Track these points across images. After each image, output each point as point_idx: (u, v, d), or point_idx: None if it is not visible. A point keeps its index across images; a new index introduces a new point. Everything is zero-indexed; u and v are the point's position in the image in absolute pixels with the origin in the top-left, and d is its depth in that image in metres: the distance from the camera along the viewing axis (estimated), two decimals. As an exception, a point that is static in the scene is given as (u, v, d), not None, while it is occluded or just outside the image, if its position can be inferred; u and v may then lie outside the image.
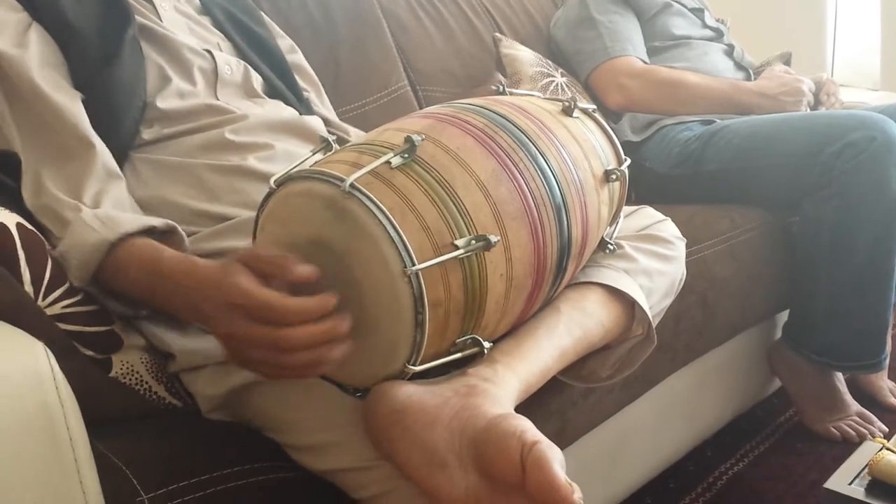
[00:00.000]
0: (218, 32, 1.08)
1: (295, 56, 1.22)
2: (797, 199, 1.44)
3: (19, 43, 0.89)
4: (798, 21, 2.69)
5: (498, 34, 1.83)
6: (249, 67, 1.06)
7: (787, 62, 1.97)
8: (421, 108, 1.65)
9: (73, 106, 0.88)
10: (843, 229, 1.37)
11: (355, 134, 1.19)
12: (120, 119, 0.91)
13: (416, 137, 0.69)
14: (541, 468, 0.61)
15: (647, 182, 1.65)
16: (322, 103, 1.22)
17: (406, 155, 0.69)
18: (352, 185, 0.65)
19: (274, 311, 0.63)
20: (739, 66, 1.89)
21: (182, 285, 0.73)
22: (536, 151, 0.75)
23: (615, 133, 0.90)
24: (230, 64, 1.03)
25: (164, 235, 0.83)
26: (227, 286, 0.65)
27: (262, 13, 1.23)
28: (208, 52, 1.02)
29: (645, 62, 1.76)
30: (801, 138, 1.44)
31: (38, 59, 0.88)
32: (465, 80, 1.76)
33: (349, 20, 1.60)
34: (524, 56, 1.78)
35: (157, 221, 0.83)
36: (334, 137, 0.77)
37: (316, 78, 1.24)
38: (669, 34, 1.84)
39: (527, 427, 0.64)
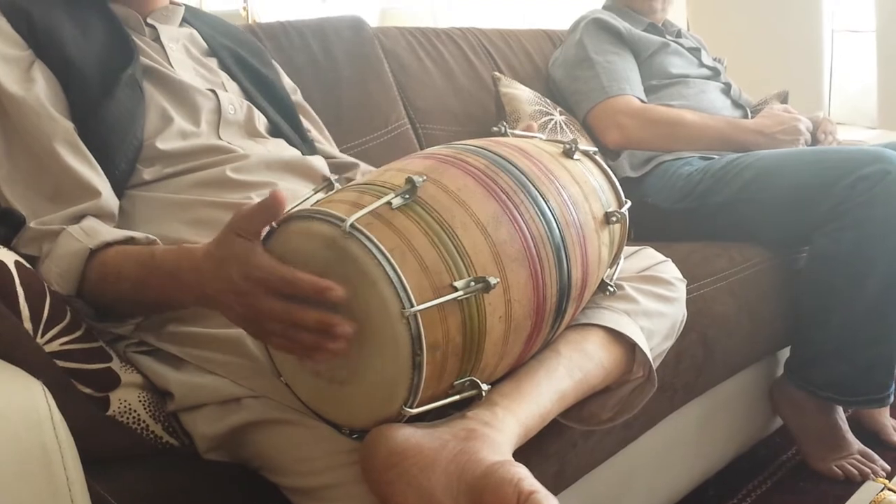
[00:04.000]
0: (223, 74, 1.10)
1: (296, 97, 1.24)
2: (806, 232, 1.44)
3: (25, 82, 0.90)
4: (795, 60, 2.73)
5: (497, 73, 1.85)
6: (253, 108, 1.07)
7: (785, 100, 1.99)
8: (421, 146, 1.66)
9: (80, 166, 0.89)
10: (857, 262, 1.36)
11: (363, 167, 1.20)
12: (111, 156, 0.92)
13: (417, 178, 0.69)
14: None
15: (649, 218, 1.65)
16: (325, 139, 1.23)
17: (407, 195, 0.69)
18: (352, 226, 0.66)
19: (295, 285, 0.64)
20: (737, 104, 1.90)
21: (179, 268, 0.75)
22: (537, 193, 0.76)
23: (613, 170, 0.91)
24: (234, 104, 1.04)
25: None
26: (246, 261, 0.66)
27: (269, 55, 1.24)
28: (212, 91, 1.03)
29: (642, 101, 1.78)
30: (813, 171, 1.44)
31: (43, 101, 0.89)
32: (464, 119, 1.77)
33: (350, 59, 1.62)
34: (523, 95, 1.80)
35: (138, 234, 0.86)
36: (336, 177, 0.77)
37: (316, 116, 1.26)
38: (667, 73, 1.86)
39: (524, 475, 0.64)
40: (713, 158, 1.66)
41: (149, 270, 0.79)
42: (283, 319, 0.65)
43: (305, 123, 1.20)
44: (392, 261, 0.65)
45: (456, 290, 0.67)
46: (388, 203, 0.69)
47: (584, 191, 0.83)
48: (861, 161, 1.38)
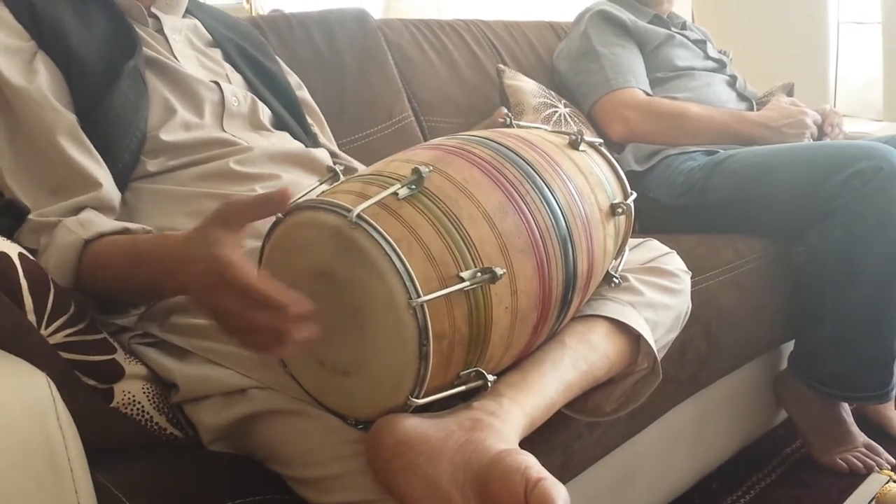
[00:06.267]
0: (227, 65, 1.09)
1: (301, 93, 1.23)
2: (801, 229, 1.44)
3: (27, 74, 0.90)
4: (800, 51, 2.71)
5: (501, 65, 1.85)
6: (257, 100, 1.07)
7: (790, 92, 1.98)
8: (425, 138, 1.66)
9: (82, 158, 0.88)
10: (849, 259, 1.36)
11: (359, 167, 1.19)
12: (114, 148, 0.91)
13: (423, 169, 0.69)
14: None
15: (651, 212, 1.65)
16: (326, 138, 1.23)
17: (413, 186, 0.69)
18: (358, 216, 0.65)
19: (250, 293, 0.61)
20: (742, 96, 1.90)
21: (155, 258, 0.75)
22: (543, 184, 0.76)
23: (619, 163, 0.91)
24: (237, 95, 1.04)
25: None
26: (216, 260, 0.63)
27: (272, 49, 1.24)
28: (216, 83, 1.02)
29: (647, 93, 1.77)
30: (806, 168, 1.44)
31: (45, 93, 0.89)
32: (468, 111, 1.77)
33: (354, 52, 1.62)
34: (527, 87, 1.79)
35: (134, 226, 0.86)
36: (342, 168, 0.77)
37: (320, 114, 1.25)
38: (672, 65, 1.85)
39: (531, 463, 0.64)
40: (717, 153, 1.65)
41: (132, 261, 0.78)
42: (240, 322, 0.63)
43: (308, 120, 1.20)
44: (399, 251, 0.65)
45: (462, 280, 0.67)
46: (395, 194, 0.68)
47: (589, 182, 0.82)
48: (853, 157, 1.37)
